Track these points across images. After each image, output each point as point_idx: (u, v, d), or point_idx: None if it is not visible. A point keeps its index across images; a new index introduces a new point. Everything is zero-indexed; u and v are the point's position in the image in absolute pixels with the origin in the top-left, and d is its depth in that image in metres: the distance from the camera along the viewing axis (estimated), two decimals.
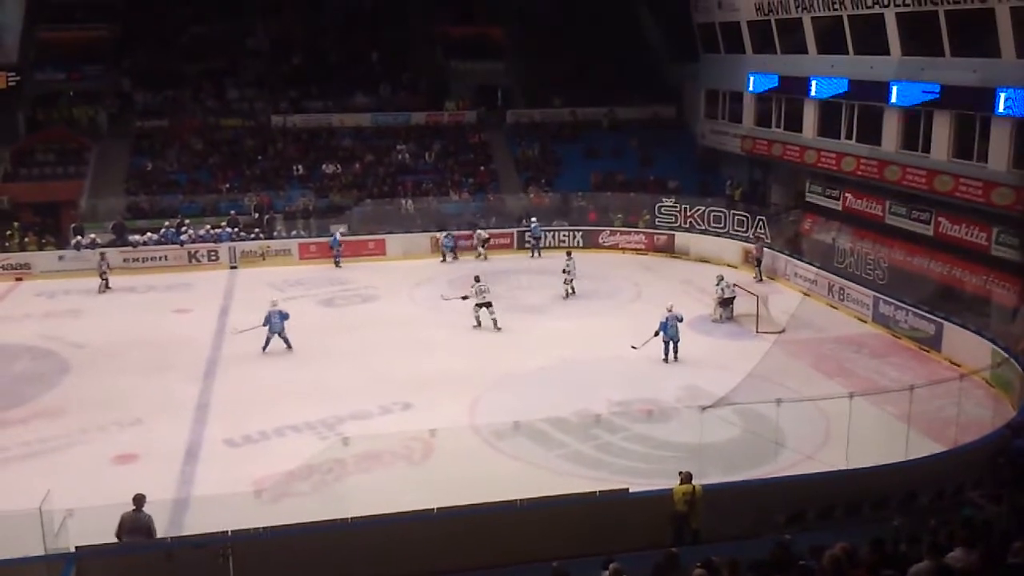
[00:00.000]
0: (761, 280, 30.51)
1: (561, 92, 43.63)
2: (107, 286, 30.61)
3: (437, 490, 14.72)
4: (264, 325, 23.73)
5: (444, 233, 34.82)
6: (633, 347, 22.87)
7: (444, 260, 34.24)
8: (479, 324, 25.70)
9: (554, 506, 13.59)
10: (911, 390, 17.68)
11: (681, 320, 23.21)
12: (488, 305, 25.55)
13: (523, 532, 13.08)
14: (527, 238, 35.19)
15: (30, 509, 12.16)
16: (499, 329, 25.39)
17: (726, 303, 26.38)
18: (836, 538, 10.68)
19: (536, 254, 34.68)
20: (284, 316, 23.89)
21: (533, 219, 35.34)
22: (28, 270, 32.17)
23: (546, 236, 35.88)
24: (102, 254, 31.46)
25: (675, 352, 22.97)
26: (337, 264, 33.57)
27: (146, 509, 13.01)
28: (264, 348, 23.68)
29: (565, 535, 13.09)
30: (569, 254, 30.24)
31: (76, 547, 12.39)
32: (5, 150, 37.08)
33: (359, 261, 33.88)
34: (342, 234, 34.27)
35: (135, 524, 12.73)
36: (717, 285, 26.70)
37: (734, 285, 27.02)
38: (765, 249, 31.78)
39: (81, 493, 14.24)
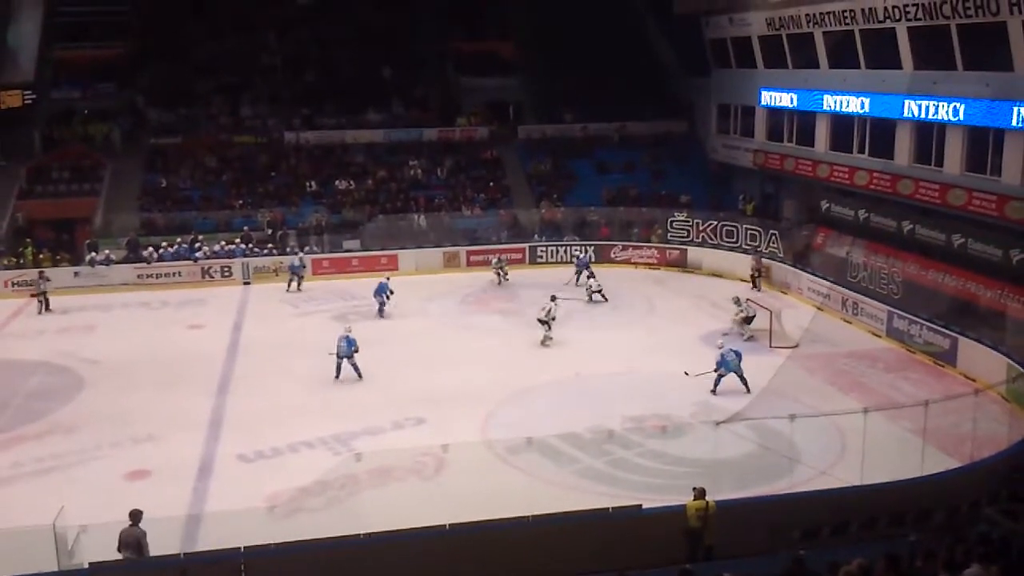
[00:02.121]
0: (755, 288, 30.65)
1: (572, 107, 43.73)
2: (47, 307, 29.98)
3: (450, 506, 14.74)
4: (336, 354, 22.83)
5: (496, 258, 33.97)
6: (686, 373, 22.29)
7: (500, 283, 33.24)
8: (545, 341, 25.65)
9: (567, 522, 13.53)
10: (926, 405, 17.57)
11: (739, 354, 22.06)
12: (548, 325, 25.61)
13: (536, 548, 13.04)
14: (575, 263, 33.37)
15: (44, 525, 12.22)
16: (546, 346, 25.50)
17: (749, 320, 26.17)
18: (851, 554, 10.61)
19: (581, 280, 31.86)
20: (351, 343, 22.80)
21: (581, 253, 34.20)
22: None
23: (557, 251, 35.98)
24: (40, 272, 30.97)
25: (744, 383, 21.63)
26: (295, 286, 32.25)
27: (160, 525, 13.07)
28: (336, 375, 22.81)
29: (578, 551, 13.05)
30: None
31: (90, 563, 12.45)
32: (21, 167, 37.42)
33: (373, 276, 33.95)
34: (301, 259, 33.07)
35: (128, 538, 12.79)
36: (739, 306, 26.37)
37: (747, 300, 26.97)
38: (772, 262, 32.01)
39: (95, 509, 14.28)
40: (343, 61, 45.21)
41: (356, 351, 22.80)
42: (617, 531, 13.52)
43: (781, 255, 32.56)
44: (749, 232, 33.93)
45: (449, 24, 46.07)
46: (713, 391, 21.67)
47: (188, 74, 43.11)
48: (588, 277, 31.48)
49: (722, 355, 21.80)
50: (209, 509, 16.22)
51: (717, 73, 40.33)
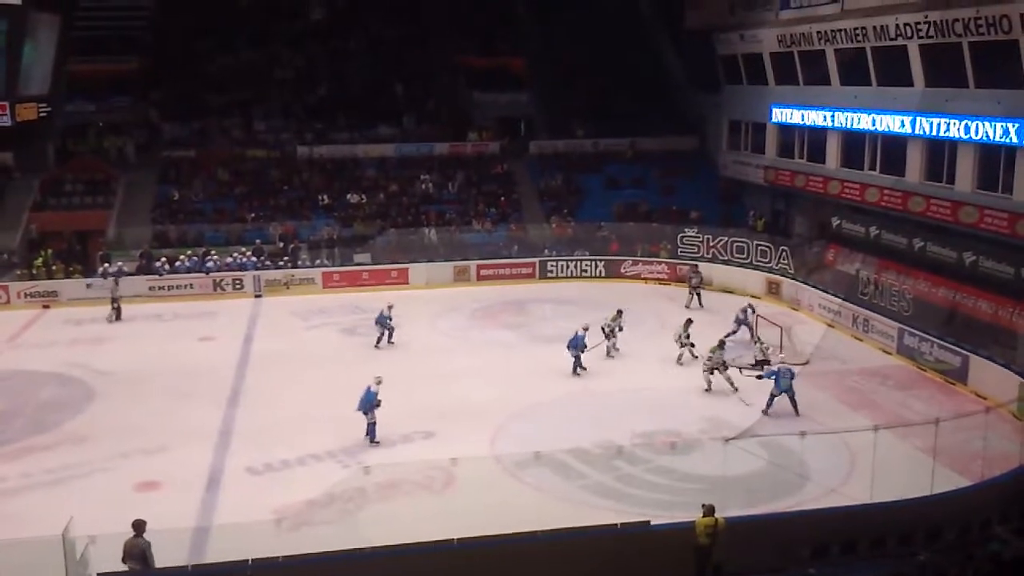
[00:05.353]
0: (691, 304, 30.45)
1: (584, 123, 43.86)
2: (118, 316, 30.46)
3: (458, 520, 14.73)
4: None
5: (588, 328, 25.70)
6: (765, 412, 21.12)
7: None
8: (709, 388, 23.15)
9: (575, 538, 13.51)
10: (937, 423, 17.48)
11: (793, 375, 21.40)
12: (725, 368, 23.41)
13: (544, 564, 13.03)
14: (607, 331, 26.26)
15: (53, 535, 12.26)
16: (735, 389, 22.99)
17: (752, 365, 24.83)
18: (860, 573, 10.57)
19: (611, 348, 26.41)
20: (371, 398, 19.73)
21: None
22: (55, 298, 32.53)
23: (567, 266, 35.98)
24: (116, 280, 31.58)
25: (793, 405, 21.15)
26: (384, 341, 27.54)
27: (168, 536, 13.07)
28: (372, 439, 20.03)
29: (586, 567, 13.03)
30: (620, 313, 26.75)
31: (98, 574, 12.49)
32: (35, 180, 37.70)
33: (383, 290, 34.02)
34: (391, 308, 27.86)
35: (132, 549, 12.86)
36: (760, 344, 25.43)
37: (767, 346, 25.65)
38: (783, 279, 32.24)
39: (104, 520, 14.28)
40: (355, 76, 45.47)
41: (378, 406, 19.81)
42: (625, 547, 13.48)
43: (792, 272, 32.53)
44: (760, 248, 33.92)
45: (460, 39, 46.27)
46: (765, 411, 21.18)
47: (201, 88, 43.41)
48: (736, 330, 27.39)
49: (777, 371, 21.32)
50: (217, 521, 16.26)
51: (728, 89, 40.37)
